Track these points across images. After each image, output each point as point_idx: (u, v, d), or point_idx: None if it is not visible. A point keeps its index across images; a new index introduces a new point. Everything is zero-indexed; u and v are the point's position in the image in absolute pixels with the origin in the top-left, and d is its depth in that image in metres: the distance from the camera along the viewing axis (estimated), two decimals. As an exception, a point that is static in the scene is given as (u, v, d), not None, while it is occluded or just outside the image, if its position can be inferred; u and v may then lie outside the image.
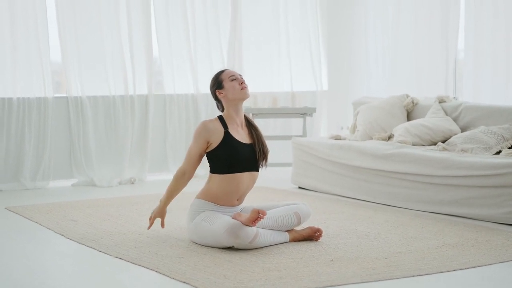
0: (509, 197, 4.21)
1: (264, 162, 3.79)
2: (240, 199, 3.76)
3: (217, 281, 2.98)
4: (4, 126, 5.90)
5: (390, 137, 5.60)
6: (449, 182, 4.55)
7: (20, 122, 5.96)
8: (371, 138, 5.69)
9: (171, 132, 6.66)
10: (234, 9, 6.96)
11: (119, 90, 6.38)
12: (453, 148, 4.91)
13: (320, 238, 3.75)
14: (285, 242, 3.68)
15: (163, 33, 6.60)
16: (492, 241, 3.74)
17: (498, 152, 4.79)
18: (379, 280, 3.01)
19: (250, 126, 3.82)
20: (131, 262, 3.34)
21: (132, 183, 6.33)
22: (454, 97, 5.92)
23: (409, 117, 5.83)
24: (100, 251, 3.58)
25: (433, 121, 5.42)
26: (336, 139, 5.79)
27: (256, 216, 3.42)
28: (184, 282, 2.99)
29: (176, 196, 3.81)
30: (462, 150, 4.82)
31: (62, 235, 4.00)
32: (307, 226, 3.80)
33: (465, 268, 3.22)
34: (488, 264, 3.30)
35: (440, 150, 4.92)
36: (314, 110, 6.64)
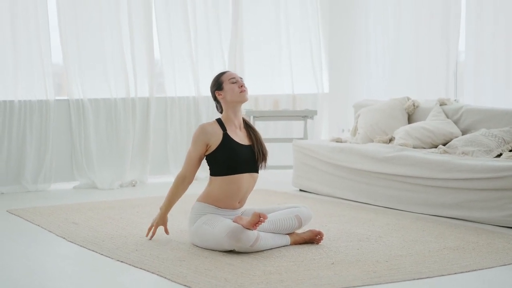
0: (510, 200, 4.21)
1: (263, 164, 3.80)
2: (241, 202, 3.76)
3: (218, 284, 2.98)
4: (6, 128, 5.91)
5: (391, 140, 5.60)
6: (450, 185, 4.56)
7: (21, 124, 5.97)
8: (372, 141, 5.70)
9: (172, 135, 6.67)
10: (235, 11, 6.97)
11: (120, 92, 6.39)
12: (454, 151, 4.92)
13: (321, 241, 3.76)
14: (286, 245, 3.68)
15: (164, 35, 6.61)
16: (493, 244, 3.75)
17: (499, 155, 4.79)
18: (380, 283, 3.02)
19: (249, 127, 3.84)
20: (132, 265, 3.35)
21: (134, 185, 6.34)
22: (455, 100, 5.93)
23: (410, 119, 5.84)
24: (102, 254, 3.58)
25: (434, 124, 5.43)
26: (337, 141, 5.80)
27: (257, 220, 3.42)
28: (185, 286, 2.99)
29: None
30: (463, 153, 4.82)
31: (64, 238, 4.00)
32: (308, 229, 3.80)
33: (466, 271, 3.22)
34: (489, 267, 3.30)
35: (441, 153, 4.92)
36: (315, 112, 6.65)
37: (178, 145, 6.68)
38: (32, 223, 4.47)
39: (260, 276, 3.11)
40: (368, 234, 3.99)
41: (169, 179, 6.42)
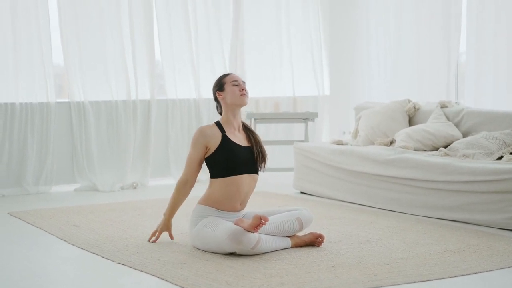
0: (511, 202, 4.21)
1: (263, 165, 3.81)
2: (242, 204, 3.77)
3: (219, 287, 2.98)
4: (7, 131, 5.92)
5: (392, 143, 5.60)
6: (451, 187, 4.56)
7: (22, 127, 5.98)
8: (373, 143, 5.70)
9: (173, 137, 6.68)
10: (236, 13, 6.98)
11: (121, 95, 6.39)
12: (455, 154, 4.92)
13: (322, 243, 3.76)
14: (287, 248, 3.68)
15: (165, 36, 6.62)
16: (493, 247, 3.75)
17: (500, 158, 4.79)
18: (381, 286, 3.02)
19: (247, 130, 3.86)
20: (133, 268, 3.35)
21: (135, 188, 6.34)
22: (456, 102, 5.93)
23: (411, 122, 5.84)
24: (103, 257, 3.59)
25: (434, 126, 5.43)
26: (338, 144, 5.80)
27: (258, 222, 3.43)
28: (186, 288, 3.00)
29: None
30: (463, 156, 4.82)
31: (65, 240, 4.01)
32: (309, 232, 3.81)
33: (467, 274, 3.22)
34: (489, 270, 3.30)
35: (441, 156, 4.92)
36: (316, 115, 6.65)
37: (179, 147, 6.69)
38: (33, 225, 4.48)
39: (261, 279, 3.11)
40: (369, 237, 3.99)
41: (170, 182, 6.45)
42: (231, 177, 3.68)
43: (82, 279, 3.25)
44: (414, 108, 5.83)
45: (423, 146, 5.34)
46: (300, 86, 7.43)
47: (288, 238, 3.71)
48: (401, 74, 6.91)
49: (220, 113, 3.86)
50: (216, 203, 3.69)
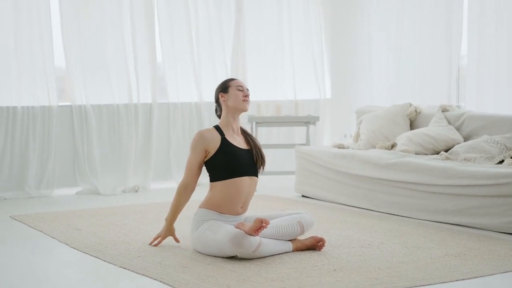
0: (512, 206, 4.22)
1: (262, 167, 3.83)
2: (243, 207, 3.78)
3: (220, 291, 2.99)
4: (9, 134, 5.93)
5: (393, 146, 5.61)
6: (452, 191, 4.56)
7: (24, 130, 5.99)
8: (374, 147, 5.71)
9: (174, 141, 6.68)
10: (238, 17, 6.98)
11: (123, 98, 6.40)
12: (456, 158, 4.92)
13: (323, 247, 3.76)
14: (288, 252, 3.69)
15: (167, 39, 6.62)
16: (494, 251, 3.75)
17: (501, 162, 4.80)
18: (382, 290, 3.02)
19: (245, 133, 3.90)
20: (135, 272, 3.35)
21: (136, 191, 6.35)
22: (457, 106, 5.93)
23: (412, 126, 5.85)
24: (104, 261, 3.59)
25: (436, 130, 5.43)
26: (339, 147, 5.81)
27: (259, 225, 3.43)
28: (188, 292, 3.00)
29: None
30: (464, 160, 4.83)
31: (66, 244, 4.01)
32: (310, 236, 3.81)
33: (468, 278, 3.23)
34: (490, 274, 3.30)
35: (442, 160, 4.93)
36: (317, 118, 6.65)
37: (181, 151, 6.69)
38: (35, 229, 4.48)
39: (262, 282, 3.12)
40: (370, 241, 3.99)
41: (172, 185, 6.46)
42: (231, 179, 3.69)
43: (83, 283, 3.25)
44: (415, 111, 5.84)
45: (424, 150, 5.34)
46: (302, 89, 7.44)
47: (289, 242, 3.72)
48: (403, 77, 6.91)
49: (219, 116, 3.89)
50: (218, 206, 3.70)
